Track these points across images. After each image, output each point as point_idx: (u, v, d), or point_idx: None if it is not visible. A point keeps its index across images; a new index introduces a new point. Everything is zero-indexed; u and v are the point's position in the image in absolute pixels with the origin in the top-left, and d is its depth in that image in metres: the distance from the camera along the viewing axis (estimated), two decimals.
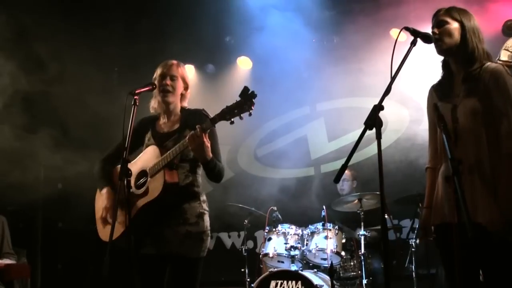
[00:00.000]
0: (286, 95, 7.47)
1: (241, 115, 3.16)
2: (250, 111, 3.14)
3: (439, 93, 3.11)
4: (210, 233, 3.50)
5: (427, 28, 3.11)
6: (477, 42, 3.00)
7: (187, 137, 3.22)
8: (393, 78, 2.67)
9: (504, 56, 4.50)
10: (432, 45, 3.01)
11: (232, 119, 3.17)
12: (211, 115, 3.43)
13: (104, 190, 3.56)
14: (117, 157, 3.62)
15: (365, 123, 2.53)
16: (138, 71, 6.90)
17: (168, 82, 3.53)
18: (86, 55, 6.90)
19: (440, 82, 3.17)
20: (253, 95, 3.14)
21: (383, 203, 2.47)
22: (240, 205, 6.37)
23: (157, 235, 3.38)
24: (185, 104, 3.66)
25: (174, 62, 3.62)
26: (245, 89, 3.16)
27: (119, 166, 3.53)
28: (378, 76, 6.29)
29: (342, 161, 2.53)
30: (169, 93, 3.53)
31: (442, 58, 3.15)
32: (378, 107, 2.54)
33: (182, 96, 3.63)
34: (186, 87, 3.64)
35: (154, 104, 3.65)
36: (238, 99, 3.15)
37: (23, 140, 6.34)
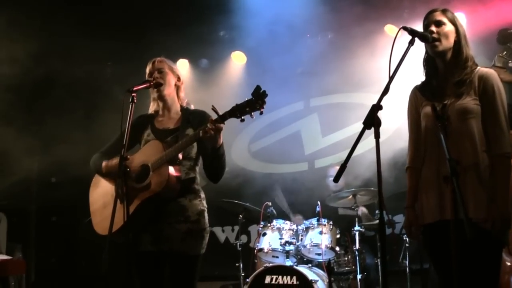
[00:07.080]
0: (280, 90, 7.44)
1: (252, 113, 3.18)
2: (262, 109, 3.17)
3: (427, 93, 3.14)
4: (209, 229, 3.53)
5: (421, 23, 3.17)
6: (468, 49, 3.09)
7: (203, 129, 3.20)
8: (391, 78, 2.68)
9: (498, 62, 4.96)
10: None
11: (242, 117, 3.19)
12: (207, 110, 3.45)
13: (101, 174, 3.55)
14: (114, 152, 3.60)
15: (364, 123, 2.52)
16: (131, 65, 6.87)
17: (157, 75, 3.53)
18: (79, 48, 6.88)
19: (426, 82, 3.21)
20: (265, 95, 3.17)
21: (381, 201, 2.46)
22: (236, 201, 6.36)
23: (157, 232, 3.37)
24: (182, 94, 3.65)
25: (157, 58, 3.63)
26: (257, 88, 3.19)
27: (116, 159, 3.57)
28: (372, 72, 6.32)
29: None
30: (161, 86, 3.52)
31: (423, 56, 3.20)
32: (377, 107, 2.53)
33: (178, 88, 3.63)
34: (178, 78, 3.64)
35: (153, 105, 3.66)
36: (249, 97, 3.17)
37: (16, 134, 6.32)
